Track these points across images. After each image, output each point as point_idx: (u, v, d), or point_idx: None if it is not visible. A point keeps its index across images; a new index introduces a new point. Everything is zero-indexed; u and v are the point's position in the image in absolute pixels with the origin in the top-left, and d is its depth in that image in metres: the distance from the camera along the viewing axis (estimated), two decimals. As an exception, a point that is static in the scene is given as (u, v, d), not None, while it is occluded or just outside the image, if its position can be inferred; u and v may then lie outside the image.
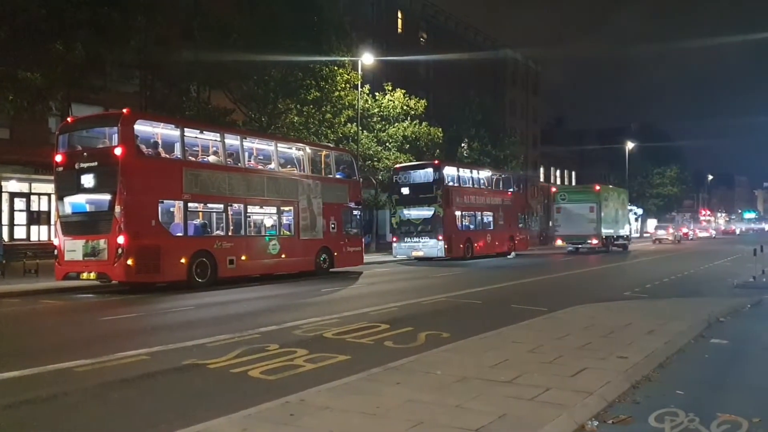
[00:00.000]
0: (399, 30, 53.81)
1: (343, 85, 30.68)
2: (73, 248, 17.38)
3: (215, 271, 18.85)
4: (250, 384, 7.27)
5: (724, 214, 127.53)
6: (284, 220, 21.94)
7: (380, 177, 36.61)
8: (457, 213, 32.83)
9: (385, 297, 16.16)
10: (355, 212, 25.20)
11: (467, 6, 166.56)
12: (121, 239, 16.48)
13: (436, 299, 15.37)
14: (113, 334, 11.14)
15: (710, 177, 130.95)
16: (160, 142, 18.60)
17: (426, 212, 31.77)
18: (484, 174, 37.38)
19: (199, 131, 20.23)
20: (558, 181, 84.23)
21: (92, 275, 17.10)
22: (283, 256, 21.48)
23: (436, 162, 34.10)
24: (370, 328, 10.85)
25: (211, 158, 19.98)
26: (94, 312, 14.21)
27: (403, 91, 36.93)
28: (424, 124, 37.16)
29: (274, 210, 21.52)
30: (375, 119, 36.31)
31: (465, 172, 35.62)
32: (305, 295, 17.29)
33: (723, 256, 34.15)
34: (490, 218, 35.88)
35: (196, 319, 12.99)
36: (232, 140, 20.63)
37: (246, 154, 20.84)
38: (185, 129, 19.24)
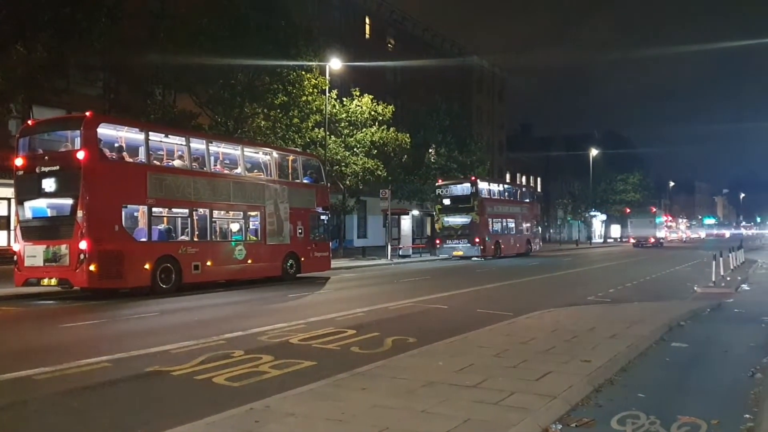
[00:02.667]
0: (367, 36, 53.91)
1: (311, 90, 30.56)
2: (34, 254, 16.98)
3: (180, 276, 18.55)
4: (215, 391, 7.20)
5: (685, 220, 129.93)
6: (251, 225, 21.72)
7: (348, 182, 36.57)
8: (489, 220, 39.94)
9: (352, 302, 16.12)
10: (322, 217, 25.04)
11: (435, 14, 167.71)
12: (83, 244, 16.17)
13: (403, 304, 15.39)
14: (74, 341, 10.93)
15: (672, 184, 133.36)
16: (124, 145, 18.26)
17: (464, 219, 39.11)
18: (508, 187, 47.36)
19: (164, 135, 19.97)
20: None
21: (53, 281, 16.76)
22: (249, 261, 21.24)
23: (473, 178, 41.71)
24: (337, 334, 10.83)
25: (177, 162, 19.64)
26: (55, 319, 13.90)
27: (370, 96, 36.94)
28: (391, 129, 37.20)
29: (240, 215, 21.31)
30: (343, 124, 36.26)
31: (494, 186, 44.36)
32: (271, 300, 17.15)
33: (684, 261, 34.77)
34: (513, 224, 43.67)
35: (159, 325, 12.82)
36: (198, 144, 20.30)
37: (212, 158, 20.55)
38: (150, 133, 18.91)
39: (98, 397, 7.07)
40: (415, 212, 49.98)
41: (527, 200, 47.58)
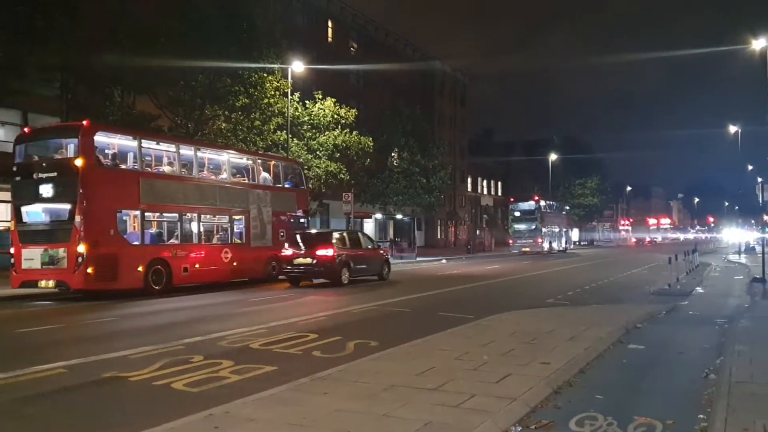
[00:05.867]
0: (329, 39, 53.83)
1: (273, 93, 30.36)
2: (31, 257, 17.61)
3: (170, 278, 19.29)
4: (174, 396, 7.11)
5: (627, 224, 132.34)
6: (236, 229, 22.56)
7: (311, 185, 36.41)
8: (543, 228, 56.73)
9: (314, 306, 16.08)
10: (302, 220, 25.80)
11: (397, 21, 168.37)
12: (81, 248, 16.90)
13: (365, 308, 15.39)
14: (31, 346, 10.66)
15: (629, 188, 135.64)
16: (117, 153, 19.07)
17: (531, 225, 56.27)
18: (553, 204, 63.99)
19: (155, 142, 20.85)
20: (485, 191, 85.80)
21: (51, 283, 17.42)
22: (234, 263, 21.97)
23: (536, 198, 59.65)
24: (298, 338, 10.77)
25: (167, 168, 20.45)
26: (13, 324, 13.57)
27: (333, 99, 36.81)
28: (354, 133, 37.14)
29: (226, 219, 22.14)
30: (305, 127, 36.06)
31: (547, 202, 61.74)
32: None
33: (640, 265, 35.41)
34: (557, 230, 60.85)
35: (120, 329, 12.59)
36: (187, 151, 21.05)
37: (200, 164, 21.35)
38: (142, 140, 19.65)
39: (53, 404, 6.93)
40: (379, 215, 50.12)
41: (564, 213, 66.95)
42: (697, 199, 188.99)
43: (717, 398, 6.61)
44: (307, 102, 36.37)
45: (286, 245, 22.45)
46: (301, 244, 22.32)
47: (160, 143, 21.02)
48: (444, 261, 40.66)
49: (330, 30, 54.09)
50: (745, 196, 77.92)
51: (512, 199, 61.38)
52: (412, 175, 48.93)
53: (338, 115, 36.39)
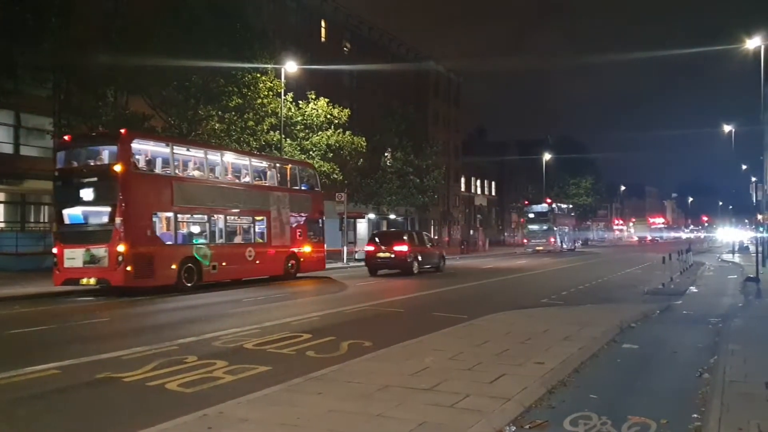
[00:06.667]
0: (323, 39, 53.71)
1: (266, 93, 30.31)
2: (73, 256, 18.73)
3: (200, 275, 20.55)
4: (167, 397, 7.08)
5: (631, 224, 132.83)
6: (257, 229, 23.93)
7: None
8: (555, 228, 60.87)
9: (308, 306, 16.05)
10: (318, 221, 27.31)
11: (391, 21, 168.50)
12: (121, 247, 18.13)
13: (358, 308, 15.37)
14: (24, 347, 10.62)
15: (623, 188, 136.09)
16: (152, 158, 20.34)
17: (543, 226, 60.50)
18: (564, 206, 69.17)
19: (185, 149, 21.99)
20: (479, 191, 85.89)
21: (92, 281, 18.58)
22: (257, 262, 23.36)
23: (549, 201, 64.33)
24: (292, 338, 10.75)
25: (195, 173, 21.72)
26: (7, 325, 13.50)
27: (326, 99, 36.78)
28: (347, 133, 37.12)
29: (249, 219, 23.57)
30: (298, 127, 36.02)
31: (560, 205, 67.44)
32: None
33: (634, 264, 35.49)
34: (567, 229, 66.15)
35: (115, 330, 12.56)
36: (213, 156, 22.55)
37: (225, 169, 22.86)
38: (174, 146, 21.03)
39: (46, 406, 6.89)
40: (372, 216, 50.06)
41: (573, 215, 72.51)
42: (690, 199, 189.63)
43: (711, 397, 6.62)
44: (300, 102, 36.33)
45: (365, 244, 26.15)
46: (378, 241, 28.16)
47: (190, 149, 22.24)
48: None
49: (323, 30, 53.97)
50: (739, 195, 78.19)
51: (527, 202, 66.03)
52: (405, 175, 48.87)
53: (331, 115, 36.37)
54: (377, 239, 28.64)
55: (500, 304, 15.44)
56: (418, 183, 50.38)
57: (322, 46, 52.22)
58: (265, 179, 25.16)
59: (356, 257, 38.39)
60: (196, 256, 20.59)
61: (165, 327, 13.01)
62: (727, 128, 49.00)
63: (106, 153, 19.67)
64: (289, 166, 27.30)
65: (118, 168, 18.46)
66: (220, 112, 29.11)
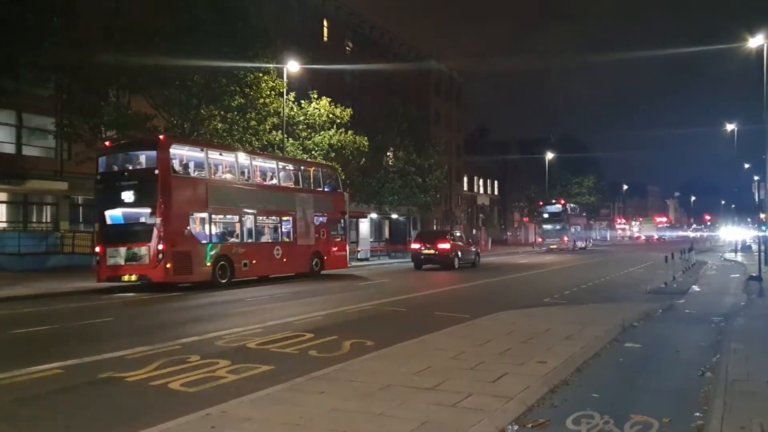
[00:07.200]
0: (325, 38, 53.73)
1: (268, 92, 30.30)
2: (115, 254, 19.93)
3: (233, 272, 21.80)
4: (170, 397, 7.09)
5: (638, 223, 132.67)
6: (284, 229, 25.16)
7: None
8: (568, 227, 63.38)
9: (310, 306, 16.05)
10: (340, 221, 28.59)
11: (393, 20, 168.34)
12: (161, 246, 19.31)
13: (360, 307, 15.37)
14: (25, 347, 10.65)
15: (625, 187, 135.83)
16: (187, 162, 21.43)
17: (557, 226, 62.92)
18: (576, 206, 71.01)
19: (218, 153, 23.27)
20: (481, 190, 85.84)
21: (134, 277, 19.64)
22: (284, 260, 24.63)
23: (562, 202, 67.01)
24: (295, 338, 10.76)
25: (228, 176, 22.91)
26: (8, 325, 13.53)
27: (328, 99, 36.76)
28: (349, 132, 37.10)
29: (277, 219, 24.82)
30: (300, 127, 36.00)
31: (572, 205, 69.45)
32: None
33: (637, 263, 35.44)
34: (579, 228, 68.00)
35: (117, 330, 12.57)
36: (244, 160, 23.76)
37: (254, 171, 24.01)
38: (208, 151, 22.15)
39: (49, 405, 6.90)
40: (374, 215, 50.01)
41: (584, 214, 74.48)
42: (693, 198, 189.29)
43: (713, 396, 6.61)
44: (302, 101, 36.32)
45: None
46: (423, 240, 31.97)
47: (222, 153, 23.41)
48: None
49: (325, 29, 54.00)
50: (742, 194, 77.96)
51: (541, 203, 68.31)
52: (407, 174, 48.83)
53: (333, 114, 36.35)
54: (421, 238, 32.69)
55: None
56: (420, 182, 50.32)
57: (324, 46, 52.25)
58: (291, 181, 26.30)
59: (358, 256, 38.41)
60: (229, 254, 21.67)
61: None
62: (729, 127, 48.95)
63: (143, 157, 20.84)
64: (313, 168, 28.54)
65: (157, 171, 19.55)
66: (222, 112, 29.11)
